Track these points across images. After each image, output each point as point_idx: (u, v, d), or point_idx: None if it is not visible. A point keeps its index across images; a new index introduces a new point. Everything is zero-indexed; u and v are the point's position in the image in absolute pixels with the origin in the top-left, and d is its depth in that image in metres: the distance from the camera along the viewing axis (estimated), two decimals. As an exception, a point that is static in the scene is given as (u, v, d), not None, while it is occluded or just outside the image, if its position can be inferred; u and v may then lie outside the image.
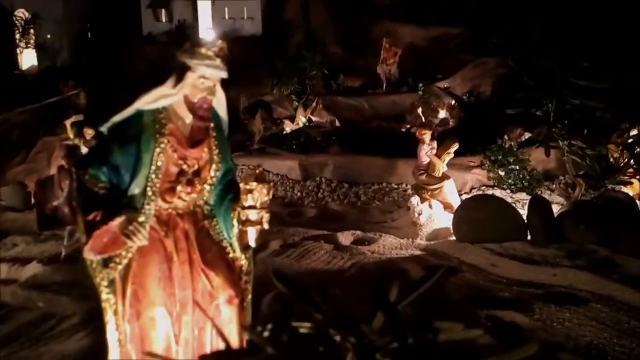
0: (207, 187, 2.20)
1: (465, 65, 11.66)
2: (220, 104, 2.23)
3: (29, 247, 6.02)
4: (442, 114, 10.50)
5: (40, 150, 11.59)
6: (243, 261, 2.27)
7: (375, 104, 11.76)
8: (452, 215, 5.87)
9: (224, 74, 2.14)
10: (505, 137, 8.36)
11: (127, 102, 2.15)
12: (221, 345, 2.15)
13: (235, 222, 2.23)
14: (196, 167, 2.17)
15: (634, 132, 6.03)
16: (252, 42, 15.10)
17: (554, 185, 7.48)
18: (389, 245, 5.70)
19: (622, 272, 4.11)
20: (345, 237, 5.96)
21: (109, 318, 2.11)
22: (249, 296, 2.29)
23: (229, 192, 2.24)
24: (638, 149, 5.78)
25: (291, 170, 9.08)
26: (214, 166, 2.20)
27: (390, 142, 9.24)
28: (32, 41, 16.06)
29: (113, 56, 14.45)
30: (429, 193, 6.56)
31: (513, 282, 4.14)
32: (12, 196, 9.02)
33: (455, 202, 6.39)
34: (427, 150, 6.54)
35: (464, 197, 6.92)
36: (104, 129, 2.13)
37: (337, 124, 11.35)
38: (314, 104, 12.01)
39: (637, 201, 6.01)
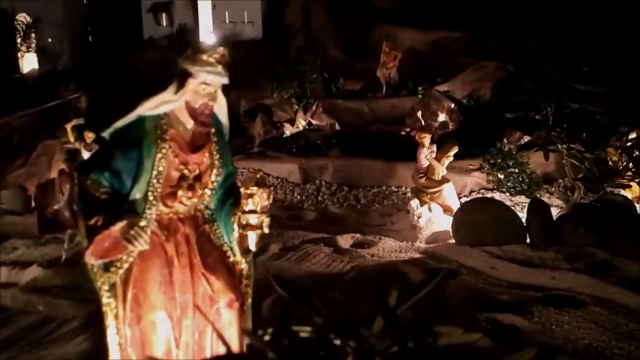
0: (208, 191, 2.22)
1: (464, 69, 11.69)
2: (221, 109, 2.25)
3: (29, 251, 6.03)
4: (442, 117, 10.53)
5: (41, 153, 11.61)
6: (243, 265, 2.29)
7: (375, 107, 11.78)
8: (451, 219, 5.89)
9: (225, 80, 2.16)
10: (505, 140, 8.38)
11: (128, 105, 2.16)
12: (221, 349, 2.16)
13: (235, 227, 2.24)
14: (197, 172, 2.19)
15: (632, 135, 6.06)
16: (252, 45, 15.14)
17: (553, 189, 7.50)
18: (388, 248, 5.71)
19: (621, 275, 4.13)
20: (345, 240, 5.97)
21: (110, 322, 2.12)
22: (249, 300, 2.30)
23: (230, 196, 2.25)
24: (637, 153, 5.80)
25: (291, 174, 9.09)
26: (214, 171, 2.22)
27: (390, 146, 9.26)
28: (33, 45, 16.11)
29: (114, 60, 14.48)
30: (429, 196, 6.58)
31: (512, 285, 4.14)
32: (13, 200, 9.02)
33: (455, 205, 6.40)
34: (426, 154, 6.55)
35: (464, 200, 6.93)
36: (106, 134, 2.15)
37: (337, 127, 11.37)
38: (314, 107, 12.03)
39: (636, 204, 6.03)
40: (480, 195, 7.49)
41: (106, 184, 2.09)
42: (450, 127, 10.31)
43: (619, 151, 6.00)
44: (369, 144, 9.60)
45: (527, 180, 7.43)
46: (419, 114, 10.63)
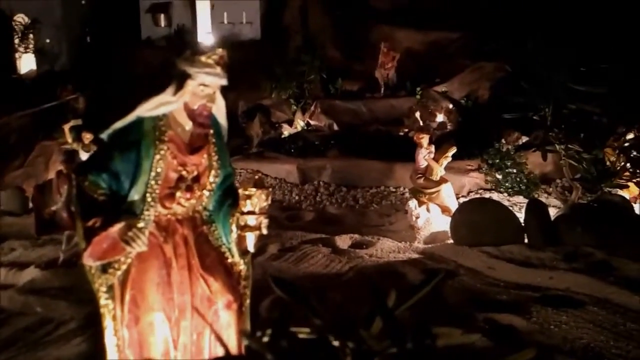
0: (206, 193, 2.22)
1: (463, 70, 11.69)
2: (220, 110, 2.25)
3: (27, 252, 6.01)
4: (440, 118, 10.53)
5: (39, 154, 11.58)
6: (242, 266, 2.29)
7: (373, 108, 11.78)
8: (449, 219, 5.89)
9: (224, 82, 2.16)
10: (503, 140, 8.39)
11: (126, 106, 2.16)
12: (220, 351, 2.16)
13: (234, 228, 2.24)
14: (195, 173, 2.19)
15: (630, 136, 6.07)
16: (251, 46, 15.12)
17: (551, 189, 7.51)
18: (386, 248, 5.71)
19: (619, 275, 4.13)
20: (343, 241, 5.97)
21: (108, 323, 2.12)
22: (248, 301, 2.30)
23: (228, 197, 2.25)
24: (634, 153, 5.81)
25: (289, 174, 9.08)
26: (213, 172, 2.22)
27: (388, 146, 9.26)
28: (31, 46, 16.06)
29: (112, 61, 14.46)
30: (427, 196, 6.58)
31: (510, 285, 4.15)
32: (10, 200, 9.00)
33: (453, 206, 6.41)
34: (425, 154, 6.56)
35: (462, 200, 6.94)
36: (104, 135, 2.15)
37: (336, 127, 11.37)
38: (312, 107, 12.03)
39: (634, 204, 6.04)
40: (478, 196, 7.49)
41: (104, 185, 2.09)
42: (449, 127, 10.31)
43: (617, 151, 6.02)
44: (367, 145, 9.60)
45: (525, 180, 7.44)
46: (417, 114, 10.63)
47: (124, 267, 2.11)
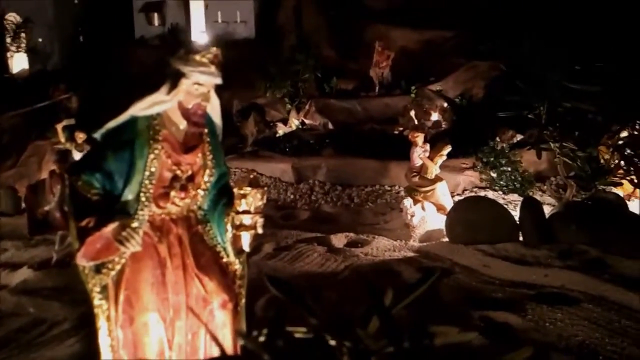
0: (200, 192, 2.20)
1: (457, 68, 11.72)
2: (214, 109, 2.24)
3: (19, 253, 5.98)
4: (435, 116, 10.55)
5: (31, 154, 11.50)
6: (237, 266, 2.27)
7: (368, 106, 11.79)
8: (444, 217, 5.90)
9: (218, 81, 2.15)
10: (497, 139, 8.42)
11: (119, 106, 2.15)
12: (215, 351, 2.15)
13: (229, 227, 2.23)
14: (190, 172, 2.17)
15: (624, 134, 6.09)
16: (245, 45, 15.08)
17: (545, 187, 7.54)
18: (382, 247, 5.71)
19: (613, 272, 4.15)
20: (339, 240, 5.97)
21: (101, 324, 2.10)
22: (243, 300, 2.28)
23: (223, 197, 2.24)
24: (628, 151, 5.84)
25: (284, 173, 9.07)
26: (207, 171, 2.20)
27: (383, 145, 9.27)
28: (23, 45, 15.94)
29: (105, 60, 14.38)
30: (422, 195, 6.59)
31: (506, 283, 4.16)
32: (3, 201, 8.94)
33: (448, 204, 6.42)
34: (419, 153, 6.57)
35: (457, 198, 6.95)
36: (97, 135, 2.13)
37: (330, 126, 11.36)
38: (307, 106, 12.02)
39: (627, 202, 6.07)
40: (473, 194, 7.51)
41: (98, 185, 2.07)
42: (443, 126, 10.34)
43: (611, 149, 6.04)
44: (362, 144, 9.60)
45: (519, 178, 7.46)
46: (412, 113, 10.65)
47: (118, 267, 2.09)
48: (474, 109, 10.19)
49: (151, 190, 2.10)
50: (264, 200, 2.20)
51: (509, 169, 7.52)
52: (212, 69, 2.11)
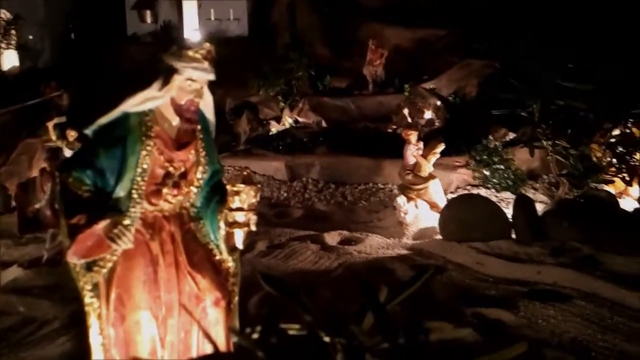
0: (193, 189, 2.19)
1: (450, 67, 11.74)
2: (207, 106, 2.22)
3: (10, 251, 5.91)
4: (428, 114, 10.56)
5: (22, 152, 11.37)
6: (230, 263, 2.26)
7: (361, 104, 11.78)
8: (438, 215, 5.91)
9: (211, 77, 2.13)
10: (490, 137, 8.44)
11: (111, 103, 2.12)
12: (208, 349, 2.13)
13: (222, 224, 2.21)
14: (183, 169, 2.15)
15: (616, 132, 6.13)
16: (238, 43, 15.02)
17: (538, 185, 7.58)
18: (375, 245, 5.71)
19: (605, 269, 4.18)
20: (332, 237, 5.96)
21: (92, 322, 2.08)
22: (236, 298, 2.27)
23: (216, 194, 2.22)
24: (620, 149, 5.88)
25: (277, 171, 9.05)
26: (200, 168, 2.19)
27: (376, 143, 9.27)
28: (13, 42, 15.77)
29: (97, 57, 14.26)
30: (415, 193, 6.60)
31: (499, 280, 4.18)
32: (-7, 199, 8.83)
33: (441, 202, 6.43)
34: (413, 151, 6.58)
35: (450, 196, 6.97)
36: (89, 131, 2.11)
37: (324, 124, 11.35)
38: (300, 104, 11.99)
39: (619, 199, 6.12)
40: (466, 192, 7.53)
41: (89, 182, 2.05)
42: (437, 124, 10.35)
43: (603, 147, 6.08)
44: (356, 142, 9.59)
45: (512, 176, 7.49)
46: (406, 111, 10.65)
47: (109, 264, 2.07)
48: (467, 107, 10.22)
49: (143, 187, 2.08)
50: (258, 198, 2.19)
51: (502, 166, 7.54)
52: (205, 65, 2.10)
